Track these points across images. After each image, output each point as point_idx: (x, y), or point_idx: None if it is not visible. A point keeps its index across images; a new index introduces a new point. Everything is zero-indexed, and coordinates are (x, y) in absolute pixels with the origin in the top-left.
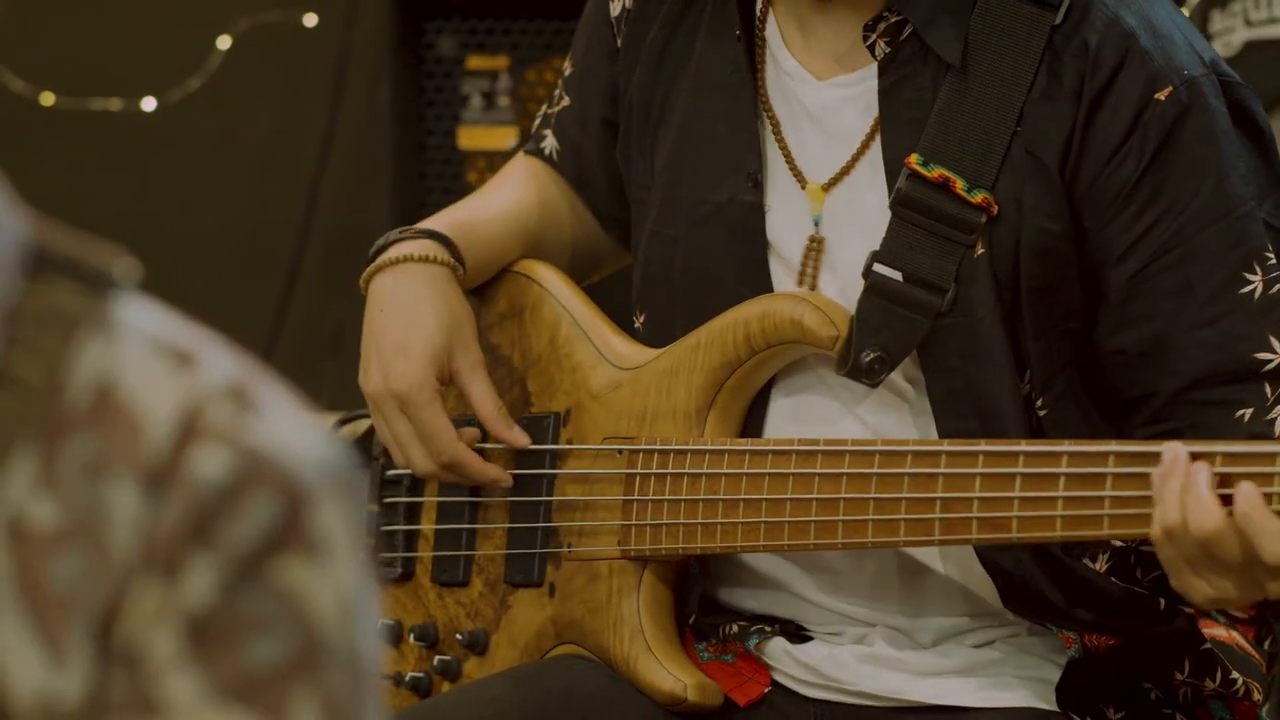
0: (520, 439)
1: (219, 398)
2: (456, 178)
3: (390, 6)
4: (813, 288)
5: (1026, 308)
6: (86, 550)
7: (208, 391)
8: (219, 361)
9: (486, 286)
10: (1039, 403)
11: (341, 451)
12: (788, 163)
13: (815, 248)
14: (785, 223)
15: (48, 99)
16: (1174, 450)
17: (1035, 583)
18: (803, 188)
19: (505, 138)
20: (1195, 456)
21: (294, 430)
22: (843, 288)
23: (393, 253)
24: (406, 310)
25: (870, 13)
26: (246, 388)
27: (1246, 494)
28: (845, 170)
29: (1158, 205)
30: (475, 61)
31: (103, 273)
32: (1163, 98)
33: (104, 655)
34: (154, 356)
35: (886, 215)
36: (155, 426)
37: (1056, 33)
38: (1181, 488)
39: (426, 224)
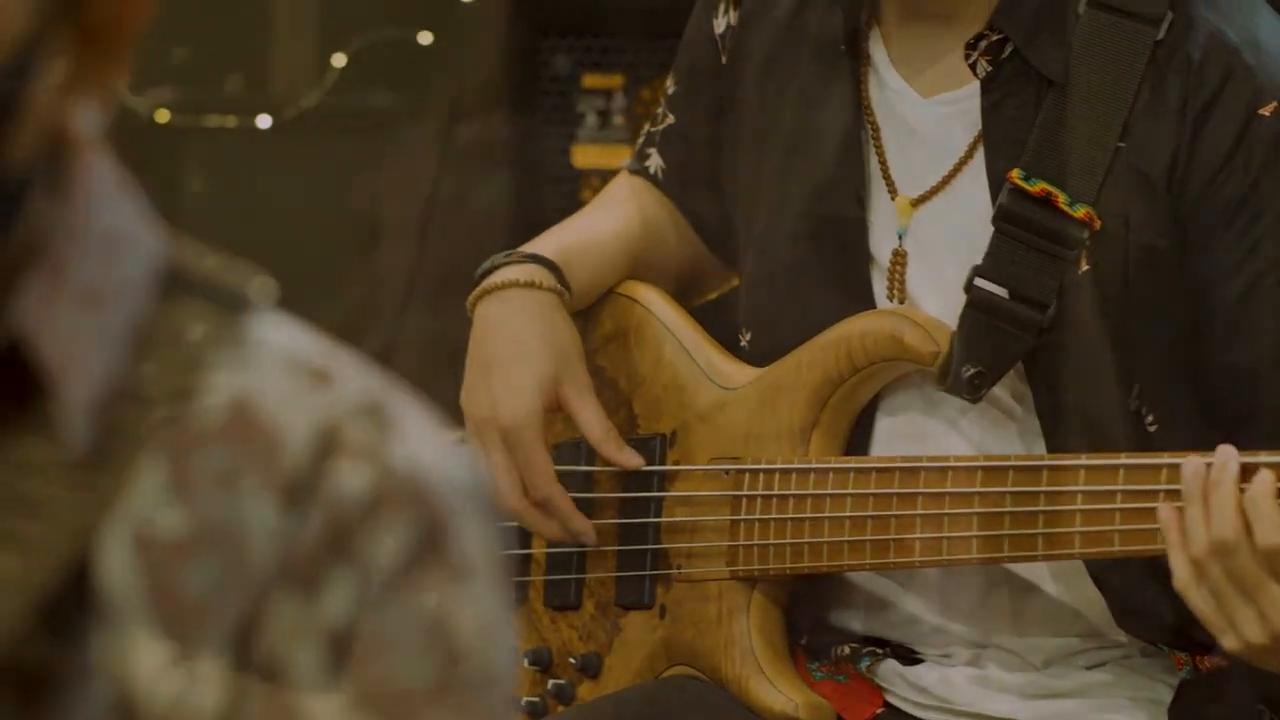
0: (633, 459)
1: (357, 415)
2: (571, 196)
3: (505, 24)
4: (901, 302)
5: (1134, 323)
6: (221, 559)
7: (346, 408)
8: (356, 379)
9: (591, 309)
10: (1149, 418)
11: (478, 472)
12: (883, 176)
13: (899, 261)
14: (877, 237)
15: (163, 116)
16: (1226, 455)
17: (1150, 601)
18: (893, 200)
19: (620, 156)
20: (1251, 468)
21: (433, 449)
22: (936, 302)
23: (498, 277)
24: (513, 339)
25: (972, 31)
26: (384, 405)
27: None
28: (941, 185)
29: (1264, 221)
30: (590, 80)
31: (238, 290)
32: (1267, 113)
33: (242, 667)
34: (290, 374)
35: (984, 231)
36: (293, 442)
37: (1159, 48)
38: (1236, 498)
39: (532, 246)
